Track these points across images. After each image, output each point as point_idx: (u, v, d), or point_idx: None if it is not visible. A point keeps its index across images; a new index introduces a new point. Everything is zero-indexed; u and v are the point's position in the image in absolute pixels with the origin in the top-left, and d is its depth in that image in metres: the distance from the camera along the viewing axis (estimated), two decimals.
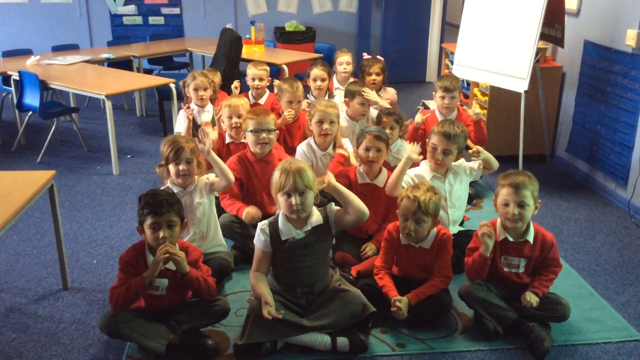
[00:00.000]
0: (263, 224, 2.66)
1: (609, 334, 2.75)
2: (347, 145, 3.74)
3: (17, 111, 5.46)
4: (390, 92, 4.76)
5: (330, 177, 2.60)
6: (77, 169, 4.90)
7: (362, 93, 4.07)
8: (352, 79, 4.90)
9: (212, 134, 3.82)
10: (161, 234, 2.45)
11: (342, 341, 2.58)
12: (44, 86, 5.05)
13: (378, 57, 4.91)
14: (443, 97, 4.09)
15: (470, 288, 2.72)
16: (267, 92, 4.64)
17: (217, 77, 4.74)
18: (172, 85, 5.12)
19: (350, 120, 4.20)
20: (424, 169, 3.35)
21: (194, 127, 4.12)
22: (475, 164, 3.38)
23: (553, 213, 4.09)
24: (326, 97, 4.59)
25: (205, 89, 4.31)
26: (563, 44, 4.56)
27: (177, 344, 2.56)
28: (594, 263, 3.43)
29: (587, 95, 4.55)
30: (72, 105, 5.94)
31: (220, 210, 3.39)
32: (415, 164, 3.28)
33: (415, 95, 7.30)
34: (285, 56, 6.35)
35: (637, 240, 3.72)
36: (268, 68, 4.66)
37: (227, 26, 6.23)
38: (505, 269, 2.74)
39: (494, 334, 2.67)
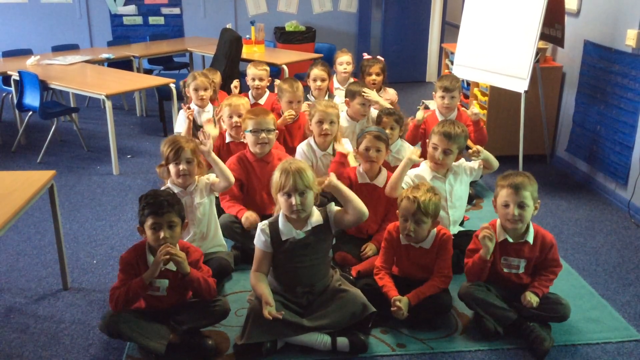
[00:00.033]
0: (263, 224, 2.66)
1: (609, 334, 2.75)
2: (347, 145, 3.74)
3: (17, 111, 5.46)
4: (391, 93, 4.76)
5: (332, 177, 2.60)
6: (77, 169, 4.90)
7: (363, 93, 4.06)
8: (352, 79, 4.90)
9: (214, 132, 3.83)
10: (162, 234, 2.45)
11: (342, 341, 2.58)
12: (44, 86, 5.05)
13: (378, 57, 4.91)
14: (443, 97, 4.09)
15: (470, 289, 2.72)
16: (267, 92, 4.64)
17: (217, 77, 4.74)
18: (172, 85, 5.12)
19: (350, 120, 4.20)
20: (424, 170, 3.35)
21: (194, 127, 4.12)
22: (475, 164, 3.38)
23: (553, 213, 4.09)
24: (326, 97, 4.59)
25: (205, 89, 4.31)
26: (563, 44, 4.56)
27: (177, 344, 2.56)
28: (594, 263, 3.43)
29: (587, 95, 4.55)
30: (72, 105, 5.93)
31: (220, 211, 3.39)
32: (415, 165, 3.28)
33: (415, 95, 7.30)
34: (285, 56, 6.35)
35: (637, 240, 3.72)
36: (268, 68, 4.66)
37: (227, 26, 6.23)
38: (505, 270, 2.74)
39: (494, 334, 2.67)
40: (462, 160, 3.43)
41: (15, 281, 3.20)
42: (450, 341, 2.69)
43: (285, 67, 5.93)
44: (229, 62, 5.62)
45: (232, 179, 3.09)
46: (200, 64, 7.36)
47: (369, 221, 3.21)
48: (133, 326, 2.45)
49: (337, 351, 2.58)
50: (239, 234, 3.31)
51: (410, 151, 3.62)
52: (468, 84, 5.38)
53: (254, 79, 4.57)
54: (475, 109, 4.05)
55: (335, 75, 5.04)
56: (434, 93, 4.22)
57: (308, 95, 4.64)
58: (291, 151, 3.93)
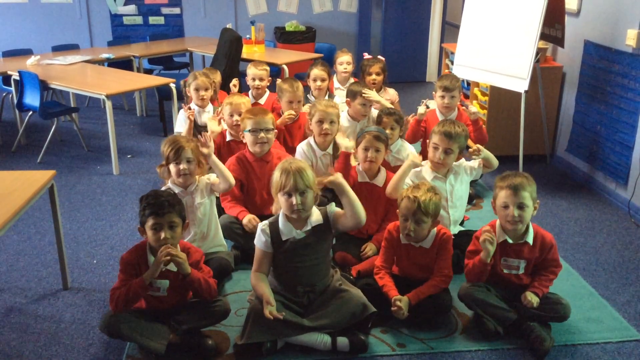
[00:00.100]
0: (263, 225, 2.66)
1: (609, 334, 2.75)
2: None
3: (17, 111, 5.46)
4: (391, 93, 4.76)
5: (338, 175, 2.57)
6: (77, 169, 4.90)
7: (363, 94, 4.06)
8: (352, 79, 4.91)
9: (217, 128, 3.82)
10: (162, 235, 2.45)
11: (342, 341, 2.58)
12: (44, 86, 5.06)
13: (379, 57, 4.91)
14: (443, 97, 4.09)
15: (470, 290, 2.72)
16: (267, 92, 4.64)
17: (217, 77, 4.74)
18: (172, 85, 5.12)
19: (351, 120, 4.20)
20: (425, 170, 3.35)
21: (194, 127, 4.12)
22: (475, 163, 3.38)
23: (553, 213, 4.09)
24: (326, 97, 4.59)
25: (206, 89, 4.30)
26: (563, 44, 4.56)
27: (177, 344, 2.56)
28: (594, 263, 3.43)
29: (587, 95, 4.55)
30: (72, 105, 5.93)
31: (221, 210, 3.39)
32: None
33: (415, 95, 7.30)
34: (285, 56, 6.35)
35: (637, 240, 3.72)
36: (268, 68, 4.66)
37: (227, 26, 6.23)
38: (505, 271, 2.74)
39: (494, 334, 2.67)
40: (462, 160, 3.43)
41: (15, 281, 3.20)
42: (450, 341, 2.69)
43: (285, 67, 5.93)
44: (229, 62, 5.62)
45: (233, 181, 3.10)
46: (201, 64, 7.37)
47: (368, 221, 3.21)
48: (133, 326, 2.45)
49: (337, 351, 2.58)
50: (239, 235, 3.31)
51: (411, 153, 3.63)
52: (468, 83, 5.38)
53: (254, 79, 4.57)
54: (473, 108, 4.05)
55: (335, 75, 5.04)
56: (434, 93, 4.22)
57: (308, 95, 4.64)
58: (291, 151, 3.94)
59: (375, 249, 3.20)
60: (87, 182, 4.62)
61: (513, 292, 2.73)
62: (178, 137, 3.09)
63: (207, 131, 3.90)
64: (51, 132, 5.21)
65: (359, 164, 3.37)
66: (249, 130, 3.39)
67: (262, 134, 3.37)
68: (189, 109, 4.09)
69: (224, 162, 3.40)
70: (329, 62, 5.08)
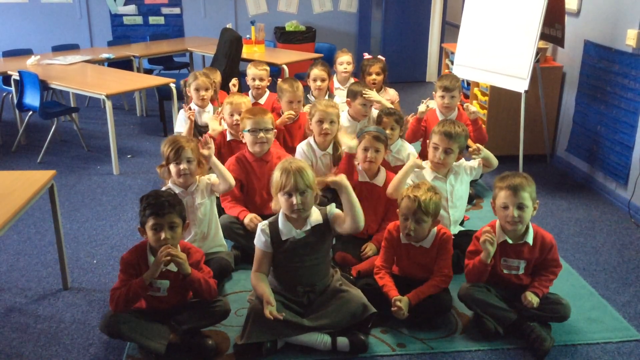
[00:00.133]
0: (263, 224, 2.67)
1: (609, 334, 2.75)
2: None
3: (17, 111, 5.46)
4: (391, 94, 4.75)
5: (343, 177, 2.54)
6: (77, 169, 4.90)
7: (364, 94, 4.06)
8: (352, 79, 4.91)
9: (218, 127, 3.82)
10: (163, 235, 2.44)
11: (342, 341, 2.58)
12: (44, 86, 5.06)
13: (379, 56, 4.91)
14: (443, 97, 4.10)
15: (470, 290, 2.72)
16: (267, 92, 4.64)
17: (217, 77, 4.74)
18: (172, 85, 5.12)
19: (352, 120, 4.20)
20: (425, 170, 3.34)
21: (195, 127, 4.12)
22: (475, 163, 3.38)
23: (553, 213, 4.09)
24: (326, 97, 4.59)
25: (206, 89, 4.30)
26: (563, 43, 4.56)
27: (177, 344, 2.56)
28: (594, 263, 3.43)
29: (587, 95, 4.55)
30: (72, 105, 5.93)
31: (221, 210, 3.39)
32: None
33: (416, 95, 7.29)
34: (286, 56, 6.35)
35: (637, 240, 3.72)
36: (268, 68, 4.66)
37: (228, 26, 6.23)
38: (505, 271, 2.74)
39: (494, 334, 2.67)
40: (462, 160, 3.43)
41: (15, 281, 3.20)
42: (450, 341, 2.69)
43: (285, 67, 5.93)
44: (229, 62, 5.62)
45: (233, 182, 3.10)
46: (201, 64, 7.37)
47: (368, 221, 3.21)
48: (133, 326, 2.45)
49: (337, 351, 2.58)
50: (239, 235, 3.31)
51: (412, 153, 3.64)
52: (468, 83, 5.38)
53: (254, 79, 4.57)
54: (472, 107, 4.05)
55: (335, 75, 5.04)
56: (434, 93, 4.22)
57: (308, 95, 4.64)
58: (291, 151, 3.94)
59: (376, 249, 3.20)
60: (87, 182, 4.62)
61: (513, 292, 2.73)
62: (178, 137, 3.09)
63: (207, 131, 3.92)
64: (51, 132, 5.21)
65: (358, 164, 3.37)
66: (248, 130, 3.39)
67: (261, 134, 3.37)
68: (189, 109, 4.10)
69: (224, 161, 3.41)
70: (329, 62, 5.08)
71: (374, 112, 4.13)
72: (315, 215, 2.65)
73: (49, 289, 3.12)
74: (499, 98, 4.83)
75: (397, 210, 2.82)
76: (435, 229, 2.80)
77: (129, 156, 5.20)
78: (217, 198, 3.36)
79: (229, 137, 3.89)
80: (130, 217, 3.97)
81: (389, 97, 4.67)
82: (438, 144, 3.25)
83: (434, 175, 3.31)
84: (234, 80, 4.79)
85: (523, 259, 2.72)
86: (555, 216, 4.04)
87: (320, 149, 3.74)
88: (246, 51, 6.20)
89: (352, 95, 4.16)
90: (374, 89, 4.42)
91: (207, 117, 4.28)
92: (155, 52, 6.62)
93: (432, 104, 4.14)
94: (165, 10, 7.93)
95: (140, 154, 5.29)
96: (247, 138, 3.43)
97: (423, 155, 3.78)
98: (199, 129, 4.21)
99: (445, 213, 3.26)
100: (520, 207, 2.62)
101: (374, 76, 4.66)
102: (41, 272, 3.29)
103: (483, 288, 2.73)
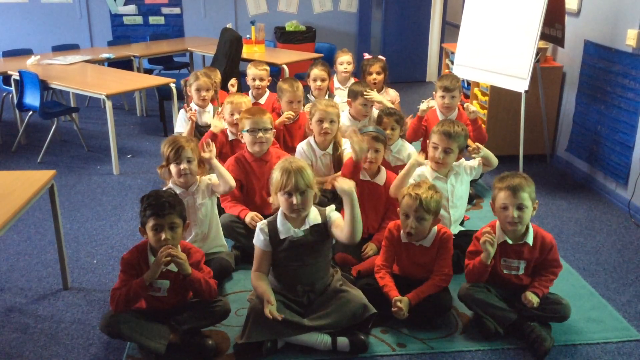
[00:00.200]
0: (262, 224, 2.67)
1: (609, 334, 2.75)
2: (347, 146, 3.74)
3: (17, 111, 5.46)
4: (392, 94, 4.75)
5: (352, 185, 2.45)
6: (78, 169, 4.90)
7: (364, 95, 4.06)
8: (352, 79, 4.91)
9: (220, 125, 3.82)
10: (163, 235, 2.44)
11: (343, 341, 2.58)
12: (44, 86, 5.06)
13: (380, 56, 4.91)
14: (443, 97, 4.10)
15: (470, 290, 2.72)
16: (267, 92, 4.64)
17: (217, 77, 4.74)
18: (173, 85, 5.12)
19: (352, 120, 4.20)
20: (426, 170, 3.35)
21: (195, 127, 4.12)
22: (475, 162, 3.38)
23: (553, 213, 4.09)
24: (326, 97, 4.59)
25: (207, 90, 4.30)
26: (563, 43, 4.56)
27: (178, 344, 2.56)
28: (594, 263, 3.43)
29: (588, 95, 4.55)
30: (72, 105, 5.93)
31: (221, 210, 3.39)
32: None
33: (416, 95, 7.30)
34: (286, 56, 6.35)
35: (637, 240, 3.72)
36: (268, 68, 4.66)
37: (228, 26, 6.23)
38: (505, 271, 2.74)
39: (494, 334, 2.67)
40: (462, 159, 3.43)
41: (15, 281, 3.20)
42: (450, 341, 2.69)
43: (285, 67, 5.93)
44: (229, 62, 5.62)
45: (233, 184, 3.10)
46: (201, 64, 7.36)
47: (369, 220, 3.22)
48: (133, 326, 2.45)
49: (337, 351, 2.58)
50: (240, 234, 3.31)
51: (412, 153, 3.63)
52: (468, 83, 5.38)
53: (254, 79, 4.57)
54: (472, 107, 4.05)
55: (335, 75, 5.04)
56: (434, 93, 4.22)
57: (308, 95, 4.64)
58: (291, 151, 3.94)
59: (376, 248, 3.20)
60: (87, 182, 4.62)
61: (513, 292, 2.73)
62: (178, 137, 3.09)
63: (207, 131, 3.92)
64: (51, 132, 5.21)
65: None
66: (247, 130, 3.39)
67: (260, 134, 3.37)
68: (190, 109, 4.10)
69: (225, 161, 3.41)
70: (329, 62, 5.08)
71: (375, 112, 4.13)
72: (314, 215, 2.65)
73: (49, 289, 3.13)
74: (499, 98, 4.83)
75: (398, 209, 2.82)
76: (435, 228, 2.80)
77: (129, 156, 5.20)
78: (218, 198, 3.36)
79: (230, 137, 3.89)
80: (130, 217, 3.97)
81: (390, 97, 4.67)
82: (438, 143, 3.25)
83: (435, 175, 3.31)
84: (233, 81, 4.79)
85: (523, 259, 2.72)
86: (555, 216, 4.04)
87: (320, 148, 3.74)
88: (246, 51, 6.20)
89: (353, 95, 4.16)
90: (375, 89, 4.42)
91: (208, 117, 4.29)
92: (155, 52, 6.62)
93: (432, 104, 4.14)
94: (165, 10, 7.93)
95: (140, 154, 5.29)
96: (246, 138, 3.43)
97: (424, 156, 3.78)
98: (199, 129, 4.21)
99: (446, 213, 3.26)
100: (520, 207, 2.62)
101: (374, 75, 4.66)
102: (41, 272, 3.29)
103: (483, 288, 2.73)
